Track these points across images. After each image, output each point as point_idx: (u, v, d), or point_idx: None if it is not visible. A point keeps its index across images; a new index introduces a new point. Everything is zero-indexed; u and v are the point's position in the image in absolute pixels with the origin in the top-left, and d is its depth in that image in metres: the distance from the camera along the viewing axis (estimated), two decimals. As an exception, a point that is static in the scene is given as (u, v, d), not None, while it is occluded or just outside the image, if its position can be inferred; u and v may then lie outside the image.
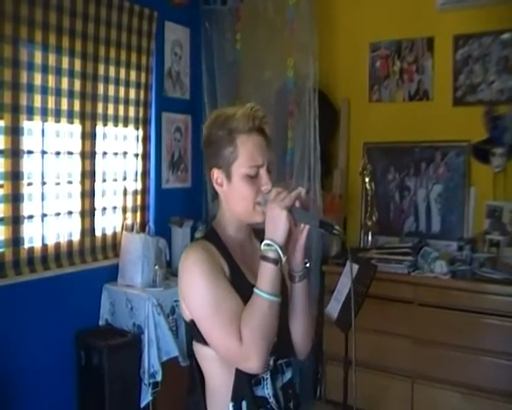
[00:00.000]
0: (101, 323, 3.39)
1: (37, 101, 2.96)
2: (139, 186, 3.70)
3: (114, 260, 3.48)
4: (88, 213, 3.33)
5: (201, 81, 4.15)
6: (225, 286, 1.36)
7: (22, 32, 2.84)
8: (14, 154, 2.86)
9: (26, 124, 2.92)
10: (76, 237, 3.29)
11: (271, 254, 1.33)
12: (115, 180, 3.54)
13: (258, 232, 1.56)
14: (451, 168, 3.67)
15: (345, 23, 4.06)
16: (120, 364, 3.11)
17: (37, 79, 2.96)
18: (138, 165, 3.68)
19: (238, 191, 1.44)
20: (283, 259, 1.34)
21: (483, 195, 3.54)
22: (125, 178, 3.60)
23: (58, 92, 3.07)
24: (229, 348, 1.32)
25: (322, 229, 1.36)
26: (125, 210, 3.61)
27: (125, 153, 3.59)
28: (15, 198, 2.88)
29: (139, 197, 3.70)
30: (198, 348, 1.44)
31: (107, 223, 3.51)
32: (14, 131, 2.85)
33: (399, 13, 3.82)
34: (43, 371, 3.02)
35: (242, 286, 1.39)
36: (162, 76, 3.85)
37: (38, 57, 2.96)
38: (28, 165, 2.95)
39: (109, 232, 3.52)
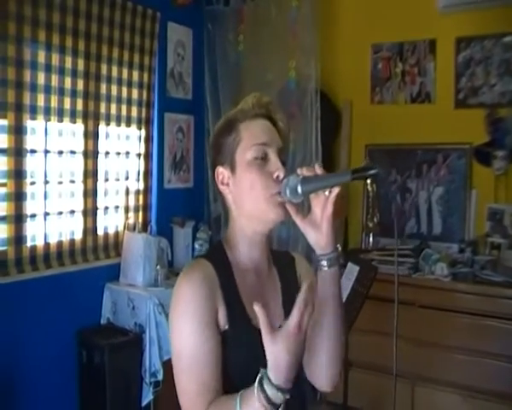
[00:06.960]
0: (102, 322, 3.40)
1: (41, 100, 2.97)
2: (141, 186, 3.70)
3: (116, 259, 3.49)
4: (90, 213, 3.34)
5: (204, 82, 4.17)
6: (209, 347, 1.15)
7: (26, 32, 2.85)
8: (18, 153, 2.87)
9: (29, 123, 2.93)
10: (78, 236, 3.29)
11: (274, 397, 1.02)
12: (117, 180, 3.55)
13: (276, 256, 1.37)
14: (453, 171, 3.68)
15: (347, 25, 4.07)
16: (122, 363, 3.12)
17: (41, 78, 2.96)
18: (140, 165, 3.69)
19: (245, 182, 1.21)
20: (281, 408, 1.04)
21: (484, 197, 3.54)
22: (127, 178, 3.61)
23: (61, 92, 3.08)
24: None
25: (356, 179, 1.09)
26: (127, 210, 3.62)
27: (127, 153, 3.60)
28: (18, 197, 2.89)
29: (141, 197, 3.71)
30: None
31: (110, 222, 3.52)
32: (18, 130, 2.86)
33: (401, 15, 3.82)
34: (45, 369, 3.02)
35: (239, 326, 1.19)
36: (165, 76, 3.86)
37: (42, 57, 2.96)
38: (31, 164, 2.96)
39: (111, 232, 3.53)
